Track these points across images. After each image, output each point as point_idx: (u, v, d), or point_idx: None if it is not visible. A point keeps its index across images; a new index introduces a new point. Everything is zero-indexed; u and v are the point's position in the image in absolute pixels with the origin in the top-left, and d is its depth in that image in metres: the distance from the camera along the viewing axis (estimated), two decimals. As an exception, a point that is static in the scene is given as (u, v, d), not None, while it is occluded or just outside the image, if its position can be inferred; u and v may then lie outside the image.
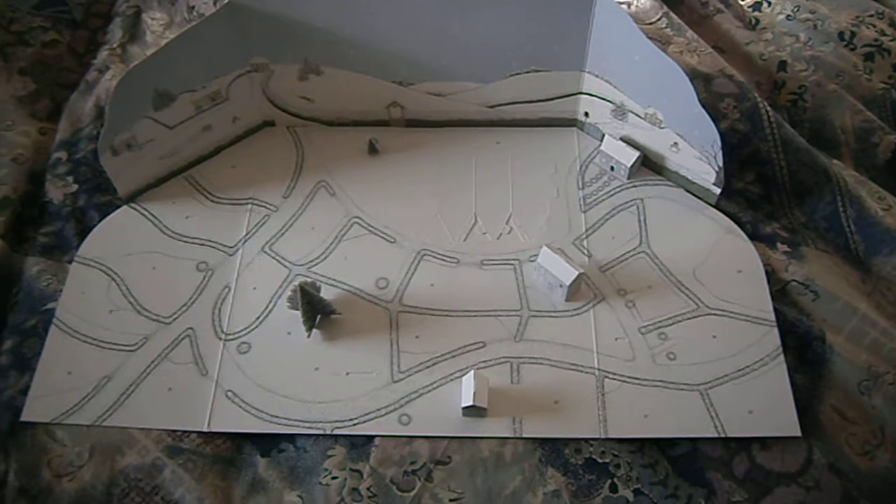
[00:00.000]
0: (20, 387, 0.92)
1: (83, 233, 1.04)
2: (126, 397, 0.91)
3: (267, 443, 0.89)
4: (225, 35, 1.02)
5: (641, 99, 1.02)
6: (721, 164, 0.98)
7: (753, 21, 1.28)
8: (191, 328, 0.96)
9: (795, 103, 1.16)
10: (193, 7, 1.28)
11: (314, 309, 0.94)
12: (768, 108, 1.09)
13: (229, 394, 0.91)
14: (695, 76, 1.10)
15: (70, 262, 1.02)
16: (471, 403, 0.85)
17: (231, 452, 0.89)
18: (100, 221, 1.05)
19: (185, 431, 0.89)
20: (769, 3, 1.29)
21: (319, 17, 1.02)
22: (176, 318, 0.97)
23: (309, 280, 0.96)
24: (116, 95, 0.97)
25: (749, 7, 1.29)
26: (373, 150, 1.11)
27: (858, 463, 0.85)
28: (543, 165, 1.10)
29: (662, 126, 1.02)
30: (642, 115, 1.03)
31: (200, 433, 0.89)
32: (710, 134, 0.97)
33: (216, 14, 0.99)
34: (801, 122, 1.14)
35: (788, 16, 1.26)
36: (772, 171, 1.07)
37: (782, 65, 1.19)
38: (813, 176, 1.05)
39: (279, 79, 1.09)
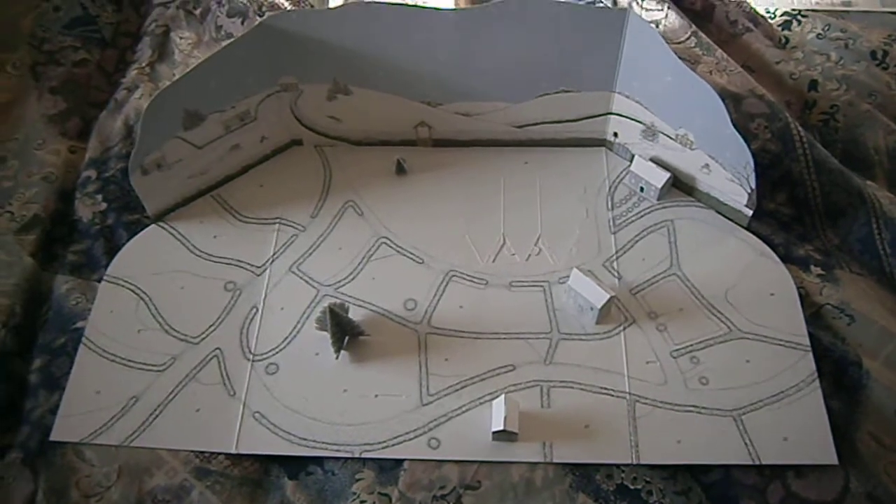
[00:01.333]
0: (49, 406, 0.92)
1: (112, 251, 1.05)
2: (154, 418, 0.91)
3: (295, 465, 0.88)
4: (255, 55, 1.02)
5: (672, 120, 1.01)
6: (754, 185, 0.97)
7: (783, 40, 1.26)
8: (219, 348, 0.96)
9: (827, 123, 1.14)
10: (221, 26, 1.29)
11: (343, 330, 0.93)
12: (800, 129, 1.07)
13: (257, 415, 0.91)
14: (724, 96, 1.09)
15: (99, 280, 1.02)
16: (501, 428, 0.84)
17: (259, 475, 0.88)
18: (128, 240, 1.06)
19: (213, 453, 0.89)
20: (799, 22, 1.27)
21: (348, 38, 1.02)
22: (204, 339, 0.97)
23: (337, 301, 0.95)
24: (147, 116, 0.98)
25: (778, 26, 1.28)
26: (400, 169, 1.11)
27: (897, 492, 0.84)
28: (572, 186, 1.09)
29: (693, 147, 1.01)
30: (673, 137, 1.02)
31: (228, 455, 0.88)
32: (743, 155, 0.95)
33: (247, 35, 1.00)
34: (833, 143, 1.12)
35: (819, 34, 1.24)
36: (804, 193, 1.06)
37: (813, 84, 1.18)
38: (846, 197, 1.04)
39: (308, 98, 1.09)
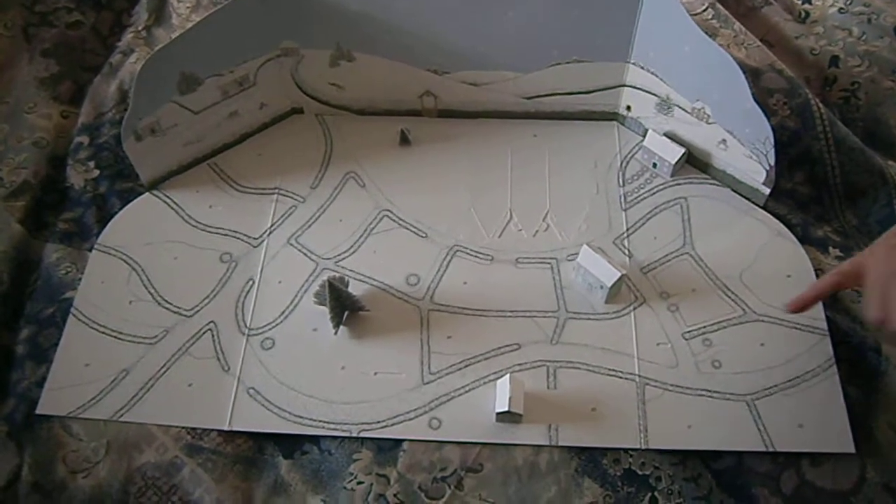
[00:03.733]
0: (36, 378, 0.89)
1: (104, 220, 1.01)
2: (145, 392, 0.87)
3: (290, 444, 0.85)
4: (254, 18, 0.98)
5: (689, 92, 0.97)
6: (773, 162, 0.93)
7: (803, 14, 1.22)
8: (213, 322, 0.93)
9: (848, 101, 1.10)
10: (221, -10, 1.24)
11: (342, 305, 0.90)
12: (820, 105, 1.04)
13: (251, 391, 0.87)
14: (744, 70, 1.05)
15: (90, 249, 0.99)
16: (506, 409, 0.81)
17: (252, 453, 0.85)
18: (121, 209, 1.02)
19: (206, 429, 0.86)
20: (820, -4, 1.23)
21: (352, 1, 0.98)
22: (198, 311, 0.93)
23: (337, 275, 0.92)
24: (141, 78, 0.93)
25: (799, -1, 1.24)
26: (404, 140, 1.07)
27: (915, 483, 0.81)
28: (583, 160, 1.05)
29: (710, 121, 0.97)
30: (689, 110, 0.98)
31: (221, 432, 0.85)
32: (763, 131, 0.91)
33: (246, -5, 0.96)
34: (853, 121, 1.08)
35: (841, 9, 1.20)
36: (823, 172, 1.02)
37: (834, 60, 1.13)
38: (867, 177, 1.00)
39: (309, 64, 1.05)
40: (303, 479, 0.83)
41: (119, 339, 0.91)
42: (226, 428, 0.85)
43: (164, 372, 0.89)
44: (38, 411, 0.86)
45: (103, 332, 0.92)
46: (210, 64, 0.99)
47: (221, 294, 0.95)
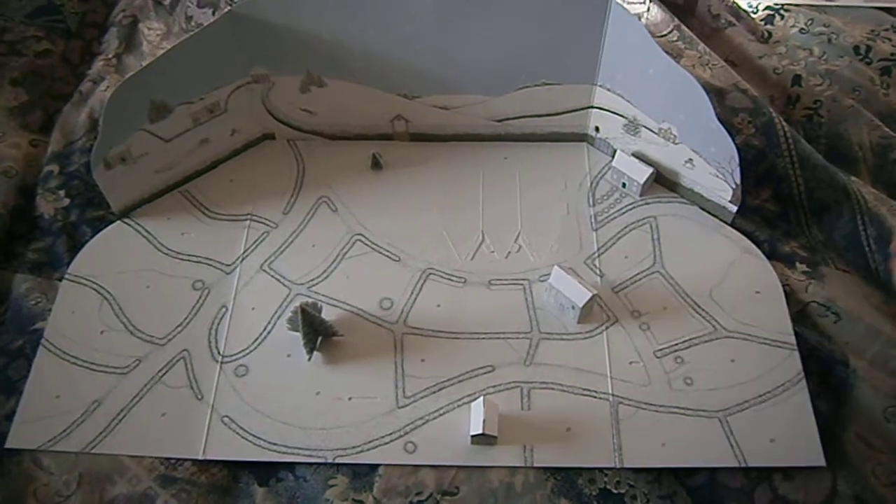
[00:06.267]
0: (5, 411, 0.87)
1: (74, 249, 1.00)
2: (117, 423, 0.86)
3: (265, 471, 0.85)
4: (224, 45, 0.98)
5: (655, 113, 0.99)
6: (739, 180, 0.95)
7: (766, 34, 1.25)
8: (186, 350, 0.92)
9: (811, 118, 1.12)
10: (192, 17, 1.25)
11: (315, 330, 0.90)
12: (784, 124, 1.06)
13: (226, 419, 0.87)
14: (707, 90, 1.07)
15: (60, 279, 0.98)
16: (480, 431, 0.81)
17: (227, 481, 0.85)
18: (92, 237, 1.01)
19: (179, 459, 0.85)
20: (782, 17, 1.26)
21: (323, 28, 0.98)
22: (170, 340, 0.93)
23: (310, 300, 0.92)
24: (110, 106, 0.93)
25: (761, 20, 1.27)
26: (376, 164, 1.08)
27: (885, 494, 0.81)
28: (553, 182, 1.06)
29: (677, 142, 0.99)
30: (656, 131, 1.00)
31: (195, 461, 0.85)
32: (727, 150, 0.93)
33: (216, 23, 0.96)
34: (816, 138, 1.11)
35: (802, 29, 1.23)
36: (788, 189, 1.04)
37: (797, 79, 1.16)
38: (831, 193, 1.02)
39: (280, 90, 1.06)
40: (278, 506, 0.83)
41: (90, 369, 0.90)
42: (200, 457, 0.84)
43: (137, 402, 0.88)
44: (7, 445, 0.85)
45: (74, 363, 0.91)
46: (180, 92, 0.99)
47: (194, 322, 0.94)
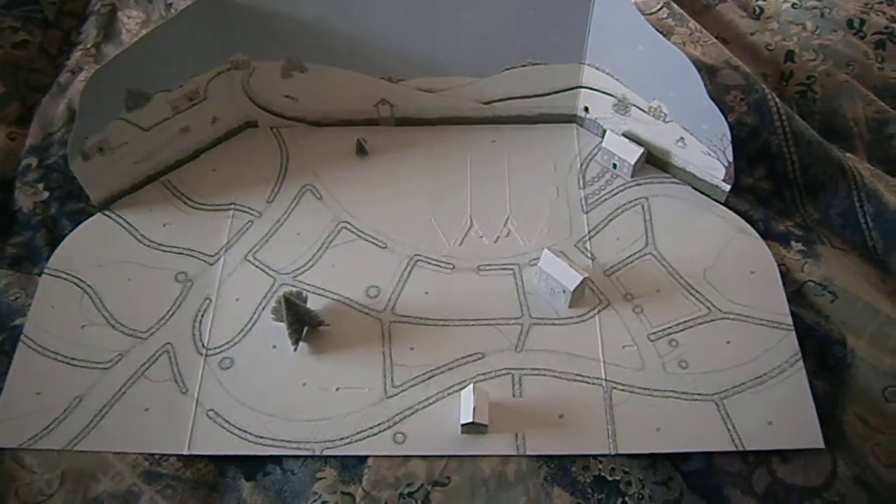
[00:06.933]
0: (-15, 410, 0.86)
1: (54, 243, 0.98)
2: (100, 419, 0.85)
3: (252, 465, 0.83)
4: (202, 30, 0.96)
5: (645, 92, 0.97)
6: (731, 158, 0.93)
7: (757, 10, 1.22)
8: (169, 343, 0.90)
9: (804, 95, 1.10)
10: (171, 4, 1.22)
11: (300, 321, 0.88)
12: (777, 100, 1.03)
13: (211, 413, 0.85)
14: (699, 68, 1.04)
15: (40, 274, 0.96)
16: (470, 420, 0.79)
17: (213, 476, 0.83)
18: (72, 231, 0.99)
19: (164, 455, 0.83)
20: (773, -8, 1.23)
21: (303, 11, 0.96)
22: (153, 333, 0.91)
23: (294, 290, 0.89)
24: (85, 96, 0.91)
25: (752, -4, 1.24)
26: (361, 150, 1.05)
27: (885, 475, 0.80)
28: (542, 164, 1.04)
29: (667, 120, 0.96)
30: (646, 109, 0.98)
31: (180, 456, 0.83)
32: (720, 127, 0.91)
33: (192, 7, 0.93)
34: (811, 115, 1.08)
35: (794, 4, 1.20)
36: (783, 166, 1.02)
37: (790, 55, 1.14)
38: (826, 170, 1.00)
39: (261, 77, 1.03)
40: (265, 500, 0.81)
41: (72, 365, 0.88)
42: (185, 452, 0.83)
43: (120, 397, 0.86)
44: (-12, 444, 0.83)
45: (55, 359, 0.89)
46: (158, 79, 0.96)
47: (177, 314, 0.92)
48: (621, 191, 1.01)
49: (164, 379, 0.88)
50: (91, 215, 1.01)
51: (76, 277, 0.95)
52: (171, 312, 0.93)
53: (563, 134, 1.07)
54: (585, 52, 0.99)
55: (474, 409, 0.80)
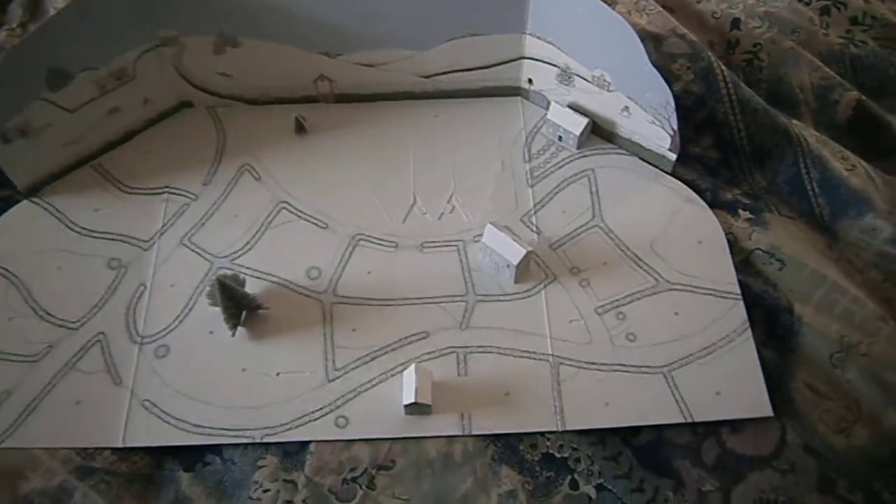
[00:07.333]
0: None
1: (-22, 233, 0.94)
2: (28, 414, 0.81)
3: (190, 456, 0.80)
4: (125, 4, 0.91)
5: (588, 61, 0.94)
6: (676, 127, 0.91)
7: (703, -22, 1.21)
8: (102, 333, 0.86)
9: (751, 62, 1.09)
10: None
11: (237, 304, 0.85)
12: (723, 68, 1.02)
13: (146, 403, 0.82)
14: (644, 37, 1.03)
15: (-37, 265, 0.91)
16: (413, 401, 0.77)
17: (150, 469, 0.80)
18: (-3, 219, 0.95)
19: (98, 449, 0.80)
20: (719, -40, 1.22)
21: (232, -18, 0.92)
22: (85, 323, 0.87)
23: (230, 272, 0.86)
24: (1, 74, 0.86)
25: (698, -36, 1.22)
26: (300, 128, 1.02)
27: (835, 441, 0.79)
28: (486, 138, 1.02)
29: (611, 89, 0.95)
30: (589, 79, 0.96)
31: (115, 450, 0.80)
32: (663, 95, 0.89)
33: (115, -20, 0.89)
34: (757, 82, 1.07)
35: (740, -29, 1.19)
36: (730, 135, 1.01)
37: (735, 23, 1.12)
38: (773, 137, 0.99)
39: (193, 53, 0.99)
40: (205, 492, 0.78)
41: (-2, 358, 0.85)
42: (120, 445, 0.79)
43: (50, 390, 0.82)
44: None
45: (-20, 354, 0.85)
46: (80, 57, 0.92)
47: (110, 303, 0.89)
48: (567, 163, 0.99)
49: (96, 370, 0.84)
50: (17, 202, 0.96)
51: (2, 268, 0.91)
52: (103, 301, 0.89)
53: (507, 107, 1.05)
54: (527, 22, 0.97)
55: (416, 389, 0.77)
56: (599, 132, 1.01)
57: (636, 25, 1.05)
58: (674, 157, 0.95)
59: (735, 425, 0.80)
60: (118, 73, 0.96)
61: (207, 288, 0.86)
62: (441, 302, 0.88)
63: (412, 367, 0.80)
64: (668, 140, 0.93)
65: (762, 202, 0.97)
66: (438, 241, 0.93)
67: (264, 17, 0.96)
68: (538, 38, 0.97)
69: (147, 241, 0.93)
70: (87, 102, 0.95)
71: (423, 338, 0.85)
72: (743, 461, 0.78)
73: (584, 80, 0.96)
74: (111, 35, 0.93)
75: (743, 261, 0.91)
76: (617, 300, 0.88)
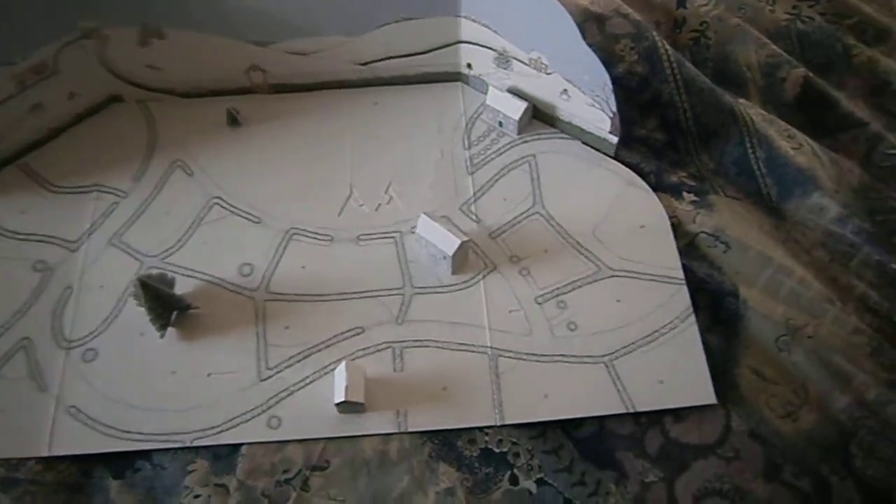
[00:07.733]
0: None
1: None
2: (-53, 425, 0.78)
3: (120, 463, 0.77)
4: (40, -4, 0.88)
5: (524, 43, 0.92)
6: (615, 108, 0.89)
7: (649, -44, 1.18)
8: (27, 338, 0.83)
9: (698, 41, 1.07)
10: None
11: (164, 305, 0.82)
12: (668, 47, 0.99)
13: (73, 410, 0.79)
14: (587, 17, 1.01)
15: None
16: (343, 399, 0.75)
17: (77, 478, 0.77)
18: (-85, 224, 0.91)
19: (21, 459, 0.77)
20: (665, -63, 1.19)
21: (152, -30, 0.89)
22: (8, 329, 0.84)
23: (155, 272, 0.83)
24: None
25: (644, -58, 1.20)
26: (233, 121, 0.99)
27: (781, 426, 0.78)
28: (426, 126, 0.99)
29: (549, 72, 0.92)
30: (526, 62, 0.93)
31: (40, 459, 0.77)
32: (601, 77, 0.87)
33: (24, -30, 0.85)
34: (704, 61, 1.05)
35: (685, -52, 1.16)
36: (675, 115, 0.98)
37: (682, 1, 1.10)
38: (719, 117, 0.97)
39: (117, 46, 0.95)
40: (135, 499, 0.76)
41: (-86, 369, 0.81)
42: (45, 454, 0.77)
43: (-30, 400, 0.79)
44: None
45: None
46: (-6, 51, 0.88)
47: (35, 307, 0.86)
48: (508, 149, 0.96)
49: (20, 377, 0.81)
50: (-62, 206, 0.93)
51: (-80, 275, 0.88)
52: (27, 305, 0.86)
53: (447, 93, 1.02)
54: (460, 4, 0.94)
55: (347, 387, 0.75)
56: (541, 116, 0.98)
57: (579, 6, 1.03)
58: (615, 139, 0.92)
59: (678, 414, 0.78)
60: (38, 68, 0.92)
61: (132, 289, 0.83)
62: (377, 296, 0.85)
63: (342, 364, 0.77)
64: (608, 122, 0.91)
65: (707, 184, 0.95)
66: (375, 234, 0.90)
67: (188, 7, 0.92)
68: (473, 20, 0.94)
69: (75, 242, 0.90)
70: (5, 99, 0.91)
71: (359, 333, 0.83)
72: (687, 450, 0.77)
73: (522, 63, 0.93)
74: (29, 28, 0.89)
75: (687, 244, 0.89)
76: (557, 288, 0.86)
